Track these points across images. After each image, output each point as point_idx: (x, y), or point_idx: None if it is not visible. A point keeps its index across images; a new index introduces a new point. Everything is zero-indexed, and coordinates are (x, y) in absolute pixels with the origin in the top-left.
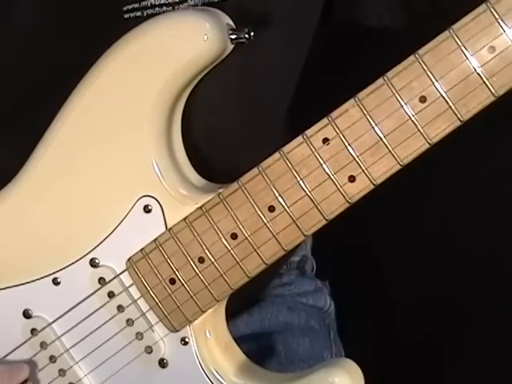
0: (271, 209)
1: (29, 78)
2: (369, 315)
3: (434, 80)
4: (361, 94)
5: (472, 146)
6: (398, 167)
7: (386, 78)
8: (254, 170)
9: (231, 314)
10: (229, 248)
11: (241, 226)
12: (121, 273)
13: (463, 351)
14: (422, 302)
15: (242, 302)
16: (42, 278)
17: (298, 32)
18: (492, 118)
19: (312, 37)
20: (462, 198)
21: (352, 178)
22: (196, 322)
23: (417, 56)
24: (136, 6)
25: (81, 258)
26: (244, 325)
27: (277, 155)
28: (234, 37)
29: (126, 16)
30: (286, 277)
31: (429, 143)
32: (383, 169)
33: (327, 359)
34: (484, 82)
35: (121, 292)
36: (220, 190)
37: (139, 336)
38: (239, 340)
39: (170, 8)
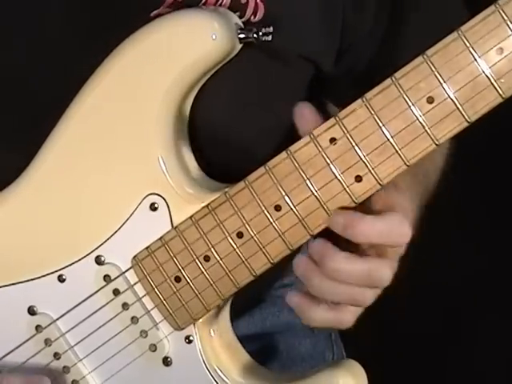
0: (277, 208)
1: (35, 79)
2: (369, 315)
3: (441, 81)
4: (368, 94)
5: (472, 145)
6: (405, 167)
7: (393, 78)
8: (261, 169)
9: (233, 316)
10: (234, 247)
11: (247, 225)
12: (126, 270)
13: (464, 351)
14: (423, 302)
15: (243, 304)
16: (48, 274)
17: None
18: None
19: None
20: (461, 197)
21: (359, 178)
22: (200, 320)
23: (425, 57)
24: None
25: (86, 256)
26: (245, 325)
27: (284, 154)
28: (242, 36)
29: None
30: (286, 278)
31: (436, 144)
32: (390, 169)
33: (328, 360)
34: (492, 84)
35: (126, 290)
36: (226, 189)
37: (143, 334)
38: (241, 341)
39: None
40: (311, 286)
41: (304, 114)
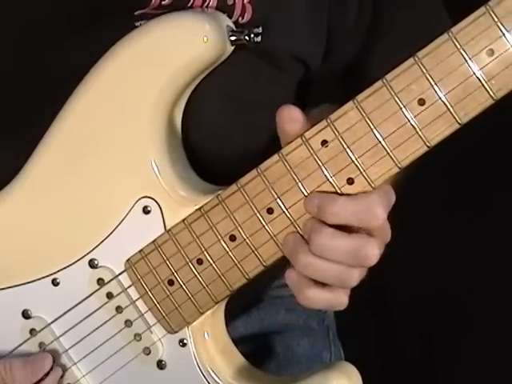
0: (270, 211)
1: (33, 79)
2: (368, 316)
3: (432, 83)
4: (360, 97)
5: (469, 144)
6: (397, 169)
7: (384, 80)
8: (253, 172)
9: (230, 316)
10: (227, 250)
11: (239, 228)
12: (119, 274)
13: (463, 351)
14: (422, 302)
15: (240, 304)
16: (42, 278)
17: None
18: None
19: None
20: (460, 197)
21: (350, 181)
22: (194, 323)
23: (416, 59)
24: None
25: (80, 259)
26: (243, 326)
27: (276, 157)
28: (233, 38)
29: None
30: (284, 278)
31: (427, 146)
32: (381, 171)
33: (326, 360)
34: (483, 85)
35: (119, 293)
36: (219, 192)
37: (137, 337)
38: (238, 341)
39: None
40: (297, 263)
41: (293, 116)
